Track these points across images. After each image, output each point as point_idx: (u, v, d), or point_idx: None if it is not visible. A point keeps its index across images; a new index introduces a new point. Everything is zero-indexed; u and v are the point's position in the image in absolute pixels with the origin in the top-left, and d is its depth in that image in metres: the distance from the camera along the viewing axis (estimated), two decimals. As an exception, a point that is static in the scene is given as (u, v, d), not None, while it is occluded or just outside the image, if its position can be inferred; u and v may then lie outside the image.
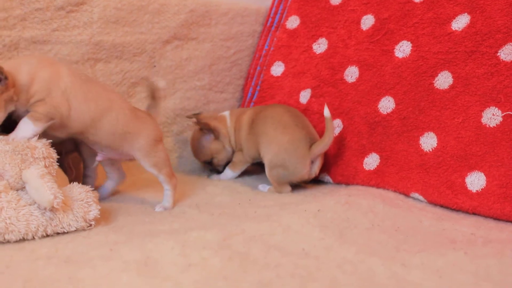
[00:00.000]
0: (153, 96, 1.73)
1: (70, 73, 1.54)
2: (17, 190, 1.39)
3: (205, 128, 2.09)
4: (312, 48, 2.27)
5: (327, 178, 2.07)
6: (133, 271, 1.11)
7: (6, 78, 1.39)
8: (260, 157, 2.06)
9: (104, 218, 1.54)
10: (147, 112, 1.72)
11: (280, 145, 1.94)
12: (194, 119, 2.11)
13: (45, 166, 1.43)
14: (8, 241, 1.32)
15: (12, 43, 1.85)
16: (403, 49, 1.97)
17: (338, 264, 1.20)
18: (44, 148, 1.45)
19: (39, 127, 1.46)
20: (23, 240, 1.33)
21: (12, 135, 1.45)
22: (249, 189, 2.00)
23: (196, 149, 2.17)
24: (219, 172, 2.19)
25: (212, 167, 2.21)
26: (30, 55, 1.83)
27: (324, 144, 1.92)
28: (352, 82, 2.07)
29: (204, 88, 2.37)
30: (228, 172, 2.16)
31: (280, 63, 2.36)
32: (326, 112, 1.90)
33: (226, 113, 2.18)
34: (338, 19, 2.22)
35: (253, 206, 1.68)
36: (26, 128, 1.46)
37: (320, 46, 2.25)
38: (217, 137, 2.11)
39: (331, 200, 1.67)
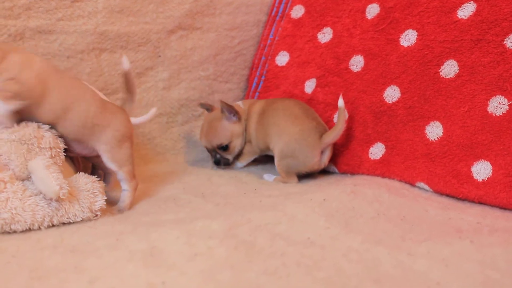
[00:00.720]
0: (128, 89, 1.66)
1: (43, 60, 1.51)
2: (23, 180, 1.39)
3: (229, 110, 2.04)
4: (317, 37, 2.26)
5: (333, 168, 2.07)
6: (139, 260, 1.11)
7: None
8: (267, 149, 2.07)
9: (110, 208, 1.54)
10: (120, 107, 1.65)
11: (290, 135, 1.95)
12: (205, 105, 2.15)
13: (51, 156, 1.43)
14: (15, 231, 1.33)
15: (17, 33, 1.85)
16: (408, 38, 1.96)
17: (344, 253, 1.19)
18: (51, 138, 1.45)
19: (10, 105, 1.39)
20: (29, 230, 1.34)
21: None
22: (255, 179, 2.00)
23: (215, 131, 2.09)
24: (226, 163, 2.14)
25: (220, 156, 2.12)
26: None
27: (335, 134, 1.92)
28: (357, 72, 2.07)
29: (208, 78, 2.36)
30: (237, 163, 2.17)
31: (285, 52, 2.35)
32: (340, 102, 1.91)
33: (240, 103, 2.17)
34: (343, 8, 2.21)
35: (258, 196, 1.68)
36: None
37: (325, 35, 2.24)
38: (239, 119, 2.09)
39: (336, 189, 1.66)
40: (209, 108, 2.15)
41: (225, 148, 2.10)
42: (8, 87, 1.39)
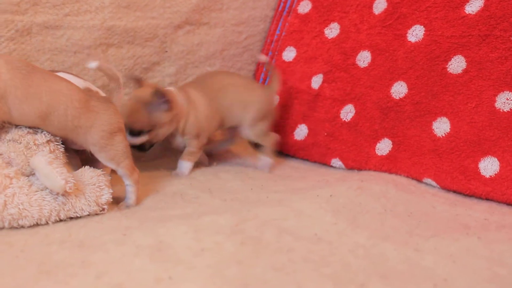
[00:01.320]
0: (109, 78, 1.55)
1: (9, 67, 1.35)
2: (27, 176, 1.39)
3: (162, 98, 1.79)
4: (324, 33, 2.26)
5: (339, 163, 2.06)
6: (146, 255, 1.12)
7: None
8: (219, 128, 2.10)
9: (116, 203, 1.55)
10: (107, 99, 1.54)
11: (255, 102, 2.05)
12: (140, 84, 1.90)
13: (51, 151, 1.43)
14: (22, 226, 1.33)
15: (24, 28, 1.85)
16: (415, 33, 1.95)
17: (351, 249, 1.20)
18: (45, 132, 1.44)
19: None
20: (36, 225, 1.34)
21: None
22: (261, 175, 1.99)
23: (137, 115, 1.78)
24: (142, 149, 1.85)
25: (133, 141, 1.79)
26: None
27: (277, 80, 2.16)
28: (364, 67, 2.06)
29: (215, 74, 2.36)
30: (187, 165, 1.96)
31: (291, 48, 2.35)
32: (263, 57, 2.16)
33: (173, 89, 1.91)
34: (350, 4, 2.20)
35: (265, 192, 1.69)
36: None
37: (332, 31, 2.24)
38: (170, 110, 1.82)
39: (343, 185, 1.67)
40: (138, 80, 1.92)
41: (140, 133, 1.80)
42: None
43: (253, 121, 2.03)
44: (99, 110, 1.48)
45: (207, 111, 1.96)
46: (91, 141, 1.48)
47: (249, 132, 2.06)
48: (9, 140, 1.40)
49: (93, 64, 1.49)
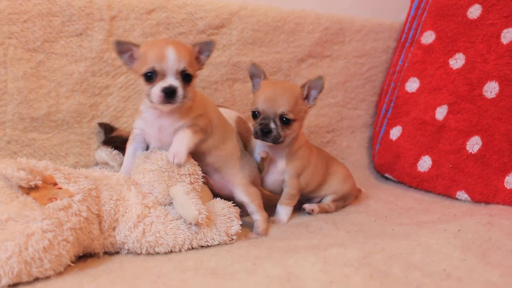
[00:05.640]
0: None
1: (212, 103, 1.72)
2: (165, 205, 1.48)
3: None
4: (448, 63, 2.23)
5: (465, 196, 2.01)
6: (277, 285, 1.14)
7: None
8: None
9: (244, 233, 1.60)
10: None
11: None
12: None
13: (190, 183, 1.51)
14: (158, 253, 1.41)
15: (158, 67, 1.97)
16: (548, 63, 1.89)
17: (482, 287, 1.17)
18: (189, 165, 1.53)
19: (196, 139, 1.55)
20: (170, 252, 1.42)
21: (173, 148, 1.52)
22: (384, 206, 1.98)
23: (292, 99, 1.69)
24: (276, 139, 1.66)
25: (275, 128, 1.66)
26: None
27: None
28: (492, 98, 2.01)
29: (338, 105, 2.39)
30: (286, 210, 1.82)
31: (415, 79, 2.33)
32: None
33: None
34: (476, 34, 2.16)
35: (390, 224, 1.68)
36: (186, 136, 1.54)
37: (457, 61, 2.20)
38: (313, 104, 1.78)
39: (471, 219, 1.63)
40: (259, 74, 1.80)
41: (287, 122, 1.67)
42: (198, 121, 1.57)
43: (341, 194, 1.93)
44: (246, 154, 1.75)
45: (317, 161, 1.87)
46: (241, 175, 1.68)
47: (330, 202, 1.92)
48: (155, 170, 1.49)
49: None
